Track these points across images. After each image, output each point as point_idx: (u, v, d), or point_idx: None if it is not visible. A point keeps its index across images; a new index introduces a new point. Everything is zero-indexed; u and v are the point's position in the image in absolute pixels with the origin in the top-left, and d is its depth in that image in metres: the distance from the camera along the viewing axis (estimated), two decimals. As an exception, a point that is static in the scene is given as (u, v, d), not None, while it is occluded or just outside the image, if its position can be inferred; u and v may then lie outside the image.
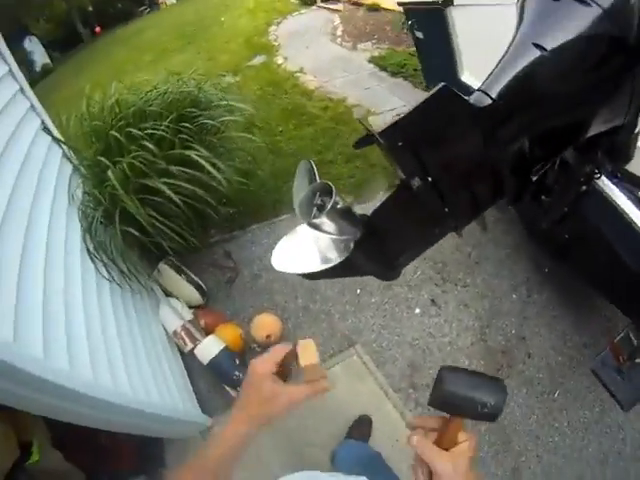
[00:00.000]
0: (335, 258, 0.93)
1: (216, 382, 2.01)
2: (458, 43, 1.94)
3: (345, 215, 0.89)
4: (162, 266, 2.11)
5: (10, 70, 1.78)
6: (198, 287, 2.28)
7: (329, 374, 2.09)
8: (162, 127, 1.83)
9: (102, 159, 1.70)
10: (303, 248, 0.97)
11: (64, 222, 1.61)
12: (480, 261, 2.59)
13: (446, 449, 0.58)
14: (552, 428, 1.97)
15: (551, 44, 1.16)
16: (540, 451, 1.91)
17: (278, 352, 0.65)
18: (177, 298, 2.11)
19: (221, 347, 1.89)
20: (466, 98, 1.10)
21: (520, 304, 2.39)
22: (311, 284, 2.49)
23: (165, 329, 1.96)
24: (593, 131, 1.41)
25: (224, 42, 6.00)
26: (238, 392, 1.88)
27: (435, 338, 2.26)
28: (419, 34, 2.23)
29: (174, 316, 1.95)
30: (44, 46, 7.72)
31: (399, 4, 2.57)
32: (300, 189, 1.07)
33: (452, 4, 1.88)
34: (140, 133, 1.72)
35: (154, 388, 1.51)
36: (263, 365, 0.62)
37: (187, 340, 1.93)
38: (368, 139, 1.10)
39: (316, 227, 0.92)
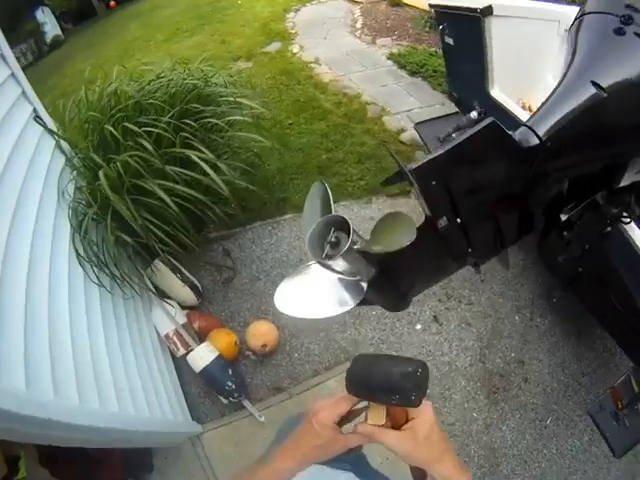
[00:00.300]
0: (349, 301, 0.87)
1: (208, 388, 1.98)
2: (492, 56, 1.83)
3: (361, 255, 0.82)
4: (157, 264, 2.05)
5: (1, 54, 1.64)
6: (193, 287, 2.23)
7: (323, 388, 2.07)
8: (162, 123, 1.75)
9: (94, 157, 1.63)
10: (311, 289, 0.91)
11: (52, 221, 1.54)
12: (486, 279, 2.53)
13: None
14: (540, 454, 1.98)
15: (611, 83, 1.04)
16: (527, 476, 1.92)
17: (343, 405, 0.64)
18: (171, 300, 2.07)
19: (214, 356, 1.85)
20: (511, 134, 1.03)
21: (522, 327, 2.34)
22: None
23: (157, 331, 1.92)
24: (630, 179, 1.36)
25: (239, 26, 5.78)
26: (230, 401, 1.89)
27: (434, 356, 2.22)
28: (449, 40, 2.11)
29: (167, 319, 1.91)
30: (56, 17, 7.55)
31: (431, 6, 2.43)
32: (311, 215, 0.97)
33: (491, 14, 1.76)
34: (137, 129, 1.63)
35: (144, 402, 1.48)
36: (326, 415, 0.62)
37: (179, 345, 1.90)
38: (399, 176, 1.03)
39: (327, 267, 0.87)
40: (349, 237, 0.78)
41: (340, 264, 0.85)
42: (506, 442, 1.98)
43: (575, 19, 1.23)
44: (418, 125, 2.47)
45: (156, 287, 2.08)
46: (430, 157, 0.90)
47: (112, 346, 1.49)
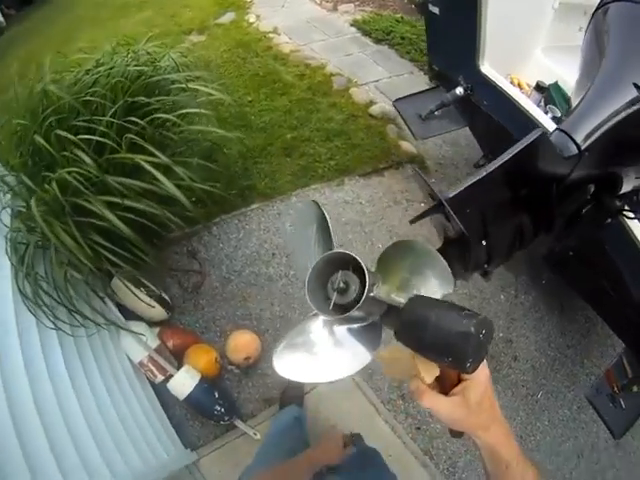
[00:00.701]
0: (367, 353, 0.71)
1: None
2: (485, 29, 1.65)
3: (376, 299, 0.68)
4: (116, 283, 1.80)
5: None
6: (161, 300, 2.00)
7: (313, 393, 1.97)
8: (103, 124, 1.47)
9: (25, 179, 1.34)
10: (318, 349, 0.75)
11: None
12: (469, 259, 2.47)
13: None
14: (534, 427, 2.03)
15: None
16: (524, 449, 1.92)
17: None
18: (140, 321, 1.85)
19: (196, 381, 1.69)
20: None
21: (508, 305, 2.33)
22: (287, 289, 2.29)
23: (129, 359, 1.72)
24: (631, 185, 1.29)
25: (190, -4, 5.20)
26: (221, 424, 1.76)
27: (423, 343, 2.17)
28: (434, 9, 1.89)
29: (138, 346, 1.70)
30: (-1, 3, 6.51)
31: None
32: (302, 247, 0.80)
33: None
34: (73, 137, 1.35)
35: (132, 449, 1.33)
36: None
37: (156, 371, 1.71)
38: (432, 210, 0.90)
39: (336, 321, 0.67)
40: (365, 281, 0.60)
41: (353, 315, 0.68)
42: (503, 424, 2.00)
43: (600, 4, 1.10)
44: (397, 102, 2.29)
45: (121, 307, 1.84)
46: (466, 184, 0.82)
47: (85, 399, 1.29)
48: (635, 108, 0.95)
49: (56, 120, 1.43)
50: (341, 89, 3.40)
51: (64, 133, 1.36)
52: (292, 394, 1.89)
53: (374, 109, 3.25)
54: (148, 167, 1.43)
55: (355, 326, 0.72)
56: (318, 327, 0.73)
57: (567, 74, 1.84)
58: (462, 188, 0.85)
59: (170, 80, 1.65)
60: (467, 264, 1.05)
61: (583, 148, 0.95)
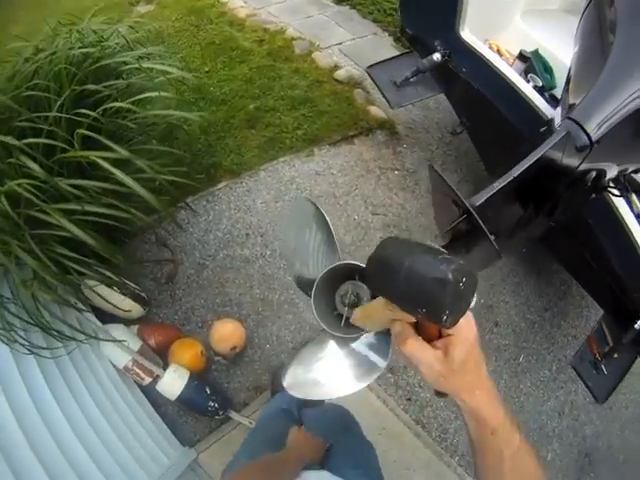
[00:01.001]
0: (379, 363, 0.67)
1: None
2: None
3: None
4: (86, 284, 1.66)
5: None
6: (136, 296, 1.89)
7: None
8: (50, 120, 1.28)
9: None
10: (329, 364, 0.71)
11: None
12: (446, 227, 2.48)
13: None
14: (518, 390, 2.13)
15: None
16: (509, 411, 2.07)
17: None
18: (117, 323, 1.74)
19: (185, 380, 1.63)
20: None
21: (486, 271, 2.36)
22: (265, 270, 2.22)
23: (113, 365, 1.63)
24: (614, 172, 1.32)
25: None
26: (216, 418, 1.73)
27: (407, 315, 2.21)
28: None
29: (120, 350, 1.60)
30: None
31: None
32: (302, 252, 0.74)
33: None
34: (16, 142, 1.16)
35: (133, 463, 1.28)
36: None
37: (142, 374, 1.63)
38: (458, 221, 0.87)
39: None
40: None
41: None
42: (487, 387, 2.10)
43: None
44: (370, 68, 2.16)
45: (96, 310, 1.72)
46: (495, 190, 0.82)
47: (77, 423, 1.22)
48: None
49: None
50: (303, 54, 3.19)
51: (5, 138, 1.18)
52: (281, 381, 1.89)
53: (339, 73, 3.09)
54: (104, 164, 1.28)
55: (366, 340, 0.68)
56: (326, 341, 0.70)
57: (546, 41, 1.79)
58: (488, 195, 0.84)
59: (122, 61, 1.45)
60: (476, 260, 1.04)
61: (595, 139, 0.93)
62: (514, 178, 0.97)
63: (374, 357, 0.64)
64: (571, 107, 1.11)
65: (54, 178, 1.20)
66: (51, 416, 1.18)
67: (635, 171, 1.47)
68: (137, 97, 1.43)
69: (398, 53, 3.34)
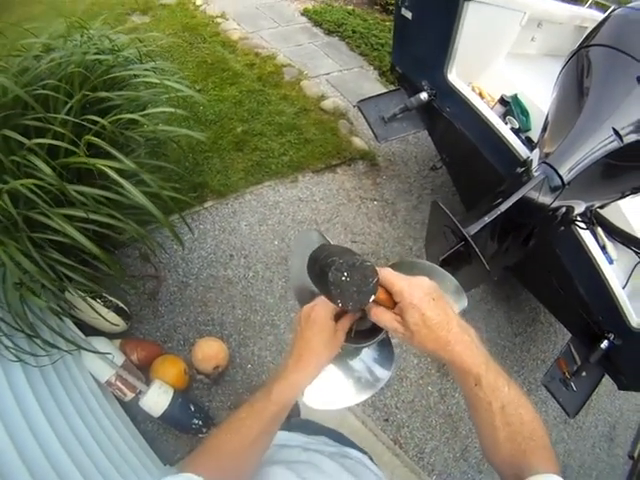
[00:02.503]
0: (386, 368, 0.74)
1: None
2: (459, 40, 1.71)
3: None
4: (71, 297, 1.62)
5: None
6: (119, 310, 1.85)
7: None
8: (57, 121, 1.28)
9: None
10: (343, 375, 0.75)
11: None
12: (421, 255, 2.60)
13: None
14: (491, 410, 2.20)
15: (630, 134, 1.12)
16: None
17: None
18: (100, 336, 1.68)
19: (170, 396, 1.59)
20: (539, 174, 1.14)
21: (460, 298, 2.49)
22: (248, 291, 2.24)
23: (95, 379, 1.56)
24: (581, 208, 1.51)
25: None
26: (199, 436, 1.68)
27: (385, 339, 2.27)
28: (407, 14, 1.90)
29: (103, 364, 1.55)
30: None
31: None
32: (300, 275, 0.81)
33: None
34: (25, 140, 1.15)
35: (116, 476, 1.22)
36: (321, 307, 0.61)
37: (125, 390, 1.57)
38: (456, 247, 0.99)
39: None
40: None
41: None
42: (460, 407, 2.17)
43: (587, 44, 1.23)
44: (361, 103, 2.29)
45: (78, 323, 1.66)
46: (487, 220, 0.97)
47: (65, 438, 1.15)
48: (611, 149, 1.12)
49: (0, 118, 1.21)
50: (292, 81, 3.33)
51: (12, 133, 1.16)
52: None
53: (326, 104, 3.24)
54: (112, 173, 1.28)
55: (369, 345, 0.75)
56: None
57: (525, 85, 1.99)
58: (482, 225, 0.97)
59: (132, 73, 1.47)
60: (469, 282, 1.17)
61: (566, 181, 1.08)
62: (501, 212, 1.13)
63: (378, 369, 0.73)
64: (547, 152, 1.29)
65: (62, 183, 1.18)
66: (38, 424, 1.12)
67: (600, 207, 1.66)
68: (148, 111, 1.45)
69: (382, 87, 3.57)
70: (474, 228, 0.98)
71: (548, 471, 0.49)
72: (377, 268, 0.53)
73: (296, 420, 1.22)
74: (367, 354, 0.75)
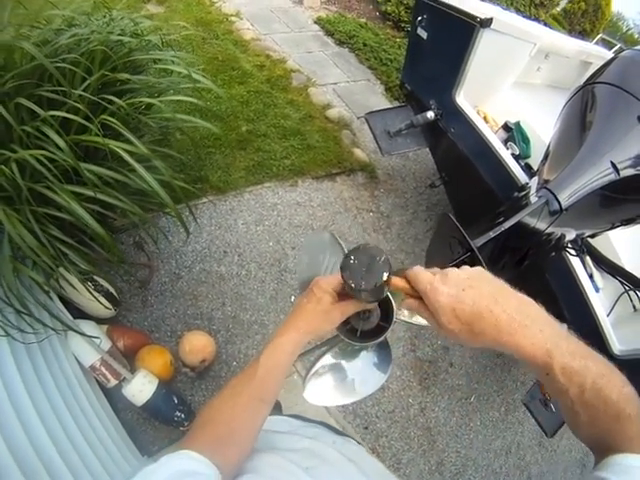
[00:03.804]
0: (386, 366, 0.77)
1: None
2: (471, 65, 1.78)
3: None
4: (62, 272, 1.58)
5: None
6: (109, 296, 1.82)
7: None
8: (74, 96, 1.27)
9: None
10: (343, 373, 0.77)
11: None
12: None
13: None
14: (468, 427, 2.25)
15: (627, 168, 1.20)
16: (459, 447, 2.18)
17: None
18: (89, 319, 1.65)
19: (155, 386, 1.57)
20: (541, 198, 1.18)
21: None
22: (239, 289, 2.24)
23: (79, 363, 1.53)
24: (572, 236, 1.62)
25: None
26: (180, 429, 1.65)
27: (370, 352, 2.29)
28: (422, 33, 1.96)
29: (89, 347, 1.51)
30: None
31: None
32: (313, 271, 0.83)
33: (489, 26, 1.69)
34: (41, 111, 1.14)
35: (99, 467, 1.20)
36: (327, 281, 0.62)
37: (109, 376, 1.54)
38: (464, 257, 1.04)
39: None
40: (392, 317, 0.68)
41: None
42: (439, 421, 2.20)
43: (593, 81, 1.30)
44: (369, 115, 2.34)
45: (65, 304, 1.63)
46: (492, 235, 1.11)
47: (48, 420, 1.13)
48: (608, 181, 1.19)
49: (15, 86, 1.20)
50: (300, 87, 3.38)
51: (29, 103, 1.15)
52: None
53: (331, 113, 3.29)
54: (126, 156, 1.28)
55: (373, 344, 0.79)
56: (337, 357, 0.79)
57: (528, 113, 2.07)
58: (489, 238, 1.02)
59: (152, 58, 1.48)
60: None
61: (564, 207, 1.15)
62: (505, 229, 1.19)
63: (376, 371, 0.76)
64: (547, 178, 1.35)
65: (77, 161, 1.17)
66: (20, 401, 1.10)
67: (591, 236, 1.73)
68: (163, 98, 1.45)
69: (387, 102, 3.64)
70: (480, 241, 1.03)
71: (634, 451, 0.44)
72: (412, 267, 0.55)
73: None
74: (366, 356, 0.78)
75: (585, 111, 1.36)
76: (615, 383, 0.47)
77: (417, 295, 0.55)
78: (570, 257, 1.64)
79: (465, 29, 1.72)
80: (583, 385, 0.46)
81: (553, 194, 1.20)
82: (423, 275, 0.54)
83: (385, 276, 0.52)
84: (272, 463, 0.61)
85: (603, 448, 0.47)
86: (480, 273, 0.54)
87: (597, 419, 0.46)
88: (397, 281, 0.56)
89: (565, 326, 1.65)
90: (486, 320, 0.48)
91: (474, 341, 0.50)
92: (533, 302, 0.52)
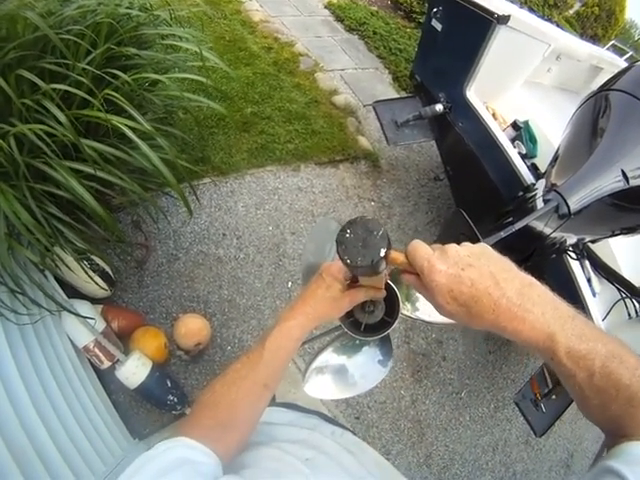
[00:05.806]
0: (387, 361, 0.77)
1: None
2: (484, 61, 1.74)
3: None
4: (57, 250, 1.56)
5: None
6: (104, 275, 1.80)
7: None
8: (77, 70, 1.23)
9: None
10: (344, 366, 0.78)
11: None
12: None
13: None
14: (457, 422, 2.27)
15: (637, 178, 1.19)
16: (447, 441, 2.21)
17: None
18: (83, 299, 1.63)
19: (149, 369, 1.56)
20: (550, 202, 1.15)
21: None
22: (236, 273, 2.22)
23: (72, 342, 1.51)
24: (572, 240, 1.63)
25: None
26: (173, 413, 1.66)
27: (366, 340, 2.30)
28: (437, 25, 1.91)
29: (83, 328, 1.50)
30: None
31: None
32: (319, 259, 0.83)
33: (506, 23, 1.65)
34: (43, 84, 1.09)
35: (90, 448, 1.20)
36: (337, 268, 0.61)
37: (103, 357, 1.53)
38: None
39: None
40: (398, 306, 0.67)
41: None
42: (429, 414, 2.22)
43: (607, 88, 1.28)
44: (377, 104, 2.30)
45: (60, 282, 1.61)
46: (504, 235, 1.11)
47: (40, 402, 1.11)
48: (617, 189, 1.20)
49: (17, 58, 1.15)
50: (307, 71, 3.31)
51: (30, 75, 1.11)
52: None
53: (337, 99, 3.23)
54: (132, 135, 1.24)
55: (377, 338, 0.78)
56: (339, 351, 0.78)
57: (536, 113, 2.05)
58: (499, 238, 1.02)
59: (161, 34, 1.43)
60: None
61: (573, 211, 1.15)
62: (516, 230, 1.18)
63: (378, 365, 0.77)
64: (555, 182, 1.35)
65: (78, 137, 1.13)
66: (11, 382, 1.09)
67: (591, 241, 1.73)
68: (170, 75, 1.41)
69: (394, 92, 3.59)
70: (491, 240, 1.02)
71: None
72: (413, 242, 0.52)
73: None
74: (368, 351, 0.78)
75: (598, 117, 1.35)
76: (628, 365, 0.43)
77: (416, 271, 0.51)
78: (570, 260, 1.64)
79: (481, 24, 1.68)
80: (591, 369, 0.43)
81: (563, 198, 1.20)
82: (421, 250, 0.50)
83: (383, 252, 0.47)
84: (271, 456, 0.61)
85: (617, 433, 0.44)
86: (482, 250, 0.49)
87: (609, 403, 0.44)
88: (396, 255, 0.53)
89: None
90: (484, 304, 0.45)
91: (472, 323, 0.48)
92: (537, 283, 0.49)
